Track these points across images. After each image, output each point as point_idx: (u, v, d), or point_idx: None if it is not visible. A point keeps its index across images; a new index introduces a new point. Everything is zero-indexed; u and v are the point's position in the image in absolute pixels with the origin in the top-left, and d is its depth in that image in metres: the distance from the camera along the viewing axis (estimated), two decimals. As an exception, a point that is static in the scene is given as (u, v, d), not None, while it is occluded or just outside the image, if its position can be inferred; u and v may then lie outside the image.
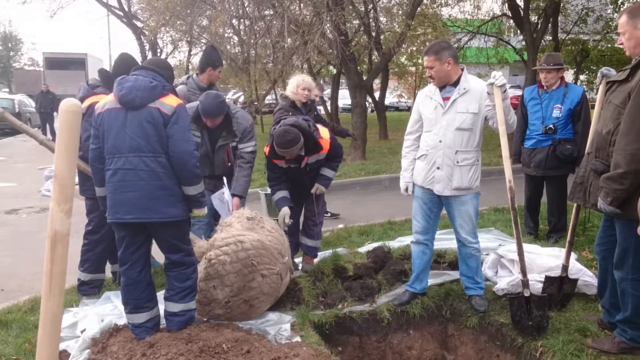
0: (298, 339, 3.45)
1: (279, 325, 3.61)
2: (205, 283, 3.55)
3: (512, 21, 14.04)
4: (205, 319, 3.66)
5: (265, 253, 3.62)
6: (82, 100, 3.97)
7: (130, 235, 3.29)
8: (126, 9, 15.74)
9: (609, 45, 16.15)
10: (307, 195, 4.52)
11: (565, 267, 3.78)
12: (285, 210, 4.30)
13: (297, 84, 5.39)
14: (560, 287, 3.77)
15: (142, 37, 15.42)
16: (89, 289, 4.19)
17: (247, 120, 4.48)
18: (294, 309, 3.88)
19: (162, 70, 3.37)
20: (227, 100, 4.48)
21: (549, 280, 3.76)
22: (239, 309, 3.62)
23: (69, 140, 1.27)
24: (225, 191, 4.28)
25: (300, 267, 4.58)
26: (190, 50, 16.19)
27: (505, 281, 4.01)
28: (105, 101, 3.29)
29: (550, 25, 13.49)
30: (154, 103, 3.17)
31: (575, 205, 3.62)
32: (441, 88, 3.71)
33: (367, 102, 13.94)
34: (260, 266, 3.58)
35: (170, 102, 3.23)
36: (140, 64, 3.83)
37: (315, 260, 4.64)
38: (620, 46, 3.05)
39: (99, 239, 4.15)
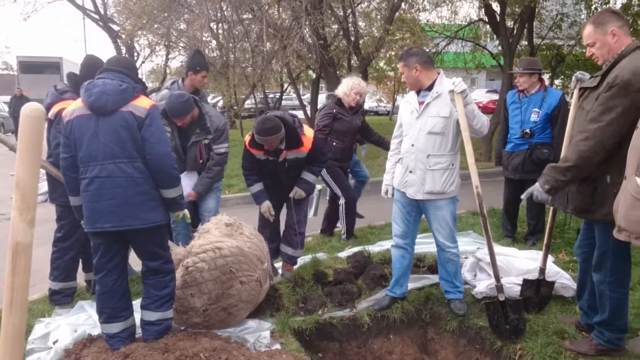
0: (278, 346, 3.41)
1: (259, 333, 3.56)
2: (183, 291, 3.48)
3: (488, 26, 14.24)
4: (182, 328, 3.59)
5: (244, 260, 3.57)
6: (50, 106, 3.86)
7: (107, 243, 3.22)
8: (102, 12, 15.52)
9: (584, 50, 16.44)
10: (287, 199, 4.45)
11: (542, 270, 3.81)
12: (267, 203, 4.30)
13: (351, 87, 5.34)
14: (537, 290, 3.79)
15: (118, 40, 15.21)
16: (61, 298, 4.08)
17: (220, 120, 4.45)
18: (274, 315, 3.84)
19: (128, 70, 3.25)
20: (204, 103, 4.44)
21: (526, 284, 3.78)
22: (217, 317, 3.56)
23: (30, 147, 1.21)
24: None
25: (280, 273, 4.54)
26: (167, 54, 16.01)
27: (484, 284, 4.02)
28: (73, 108, 3.18)
29: (525, 30, 13.69)
30: (126, 107, 3.08)
31: (551, 208, 3.65)
32: (418, 92, 3.73)
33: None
34: (239, 273, 3.53)
35: (142, 104, 3.14)
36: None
37: (295, 266, 4.60)
38: (590, 57, 3.09)
39: (68, 247, 4.04)
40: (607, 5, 13.68)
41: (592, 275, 3.16)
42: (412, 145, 3.69)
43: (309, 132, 4.30)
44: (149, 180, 3.15)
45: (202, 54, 5.13)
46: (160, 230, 3.30)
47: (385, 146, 5.91)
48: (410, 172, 3.71)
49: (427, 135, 3.64)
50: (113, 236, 3.19)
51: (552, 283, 3.84)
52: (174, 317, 3.51)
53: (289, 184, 4.38)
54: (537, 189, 3.09)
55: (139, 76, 4.01)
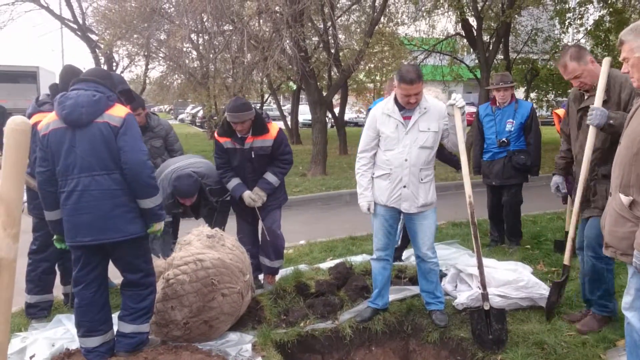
0: (259, 359, 3.38)
1: (240, 346, 3.53)
2: (163, 304, 3.44)
3: (465, 40, 14.49)
4: (162, 341, 3.54)
5: (225, 272, 3.54)
6: (29, 117, 3.80)
7: (87, 255, 3.17)
8: (80, 21, 15.34)
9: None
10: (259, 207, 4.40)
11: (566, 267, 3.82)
12: (247, 192, 4.31)
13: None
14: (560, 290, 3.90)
15: (97, 50, 15.05)
16: (38, 312, 3.99)
17: (216, 182, 4.43)
18: (256, 328, 3.81)
19: (102, 79, 3.18)
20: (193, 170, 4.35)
21: (555, 286, 3.84)
22: (198, 330, 3.52)
23: (16, 161, 1.19)
24: None
25: (262, 284, 4.51)
26: (147, 65, 15.92)
27: (464, 295, 4.05)
28: (48, 122, 3.11)
29: (501, 44, 13.97)
30: (102, 117, 3.04)
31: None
32: (400, 107, 3.74)
33: (327, 118, 14.03)
34: (221, 285, 3.50)
35: (117, 112, 3.09)
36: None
37: (277, 277, 4.58)
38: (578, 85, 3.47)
39: (43, 259, 3.96)
40: (580, 21, 14.06)
41: (586, 255, 3.52)
42: (406, 160, 3.70)
43: (275, 125, 4.38)
44: (128, 191, 3.11)
45: (126, 93, 5.03)
46: (142, 242, 3.26)
47: (455, 165, 5.23)
48: (405, 186, 3.73)
49: (419, 149, 3.70)
50: (93, 249, 3.15)
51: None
52: (154, 330, 3.47)
53: (253, 179, 4.36)
54: (602, 112, 3.19)
55: (130, 90, 4.00)
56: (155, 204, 3.19)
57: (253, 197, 4.30)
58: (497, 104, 5.53)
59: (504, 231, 5.76)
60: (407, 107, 3.70)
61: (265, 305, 4.09)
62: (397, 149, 3.73)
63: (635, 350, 2.60)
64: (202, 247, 3.64)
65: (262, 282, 4.55)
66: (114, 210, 3.06)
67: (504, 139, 5.41)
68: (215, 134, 4.36)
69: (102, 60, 15.50)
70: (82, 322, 3.21)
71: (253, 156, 4.27)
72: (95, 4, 14.34)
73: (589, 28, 14.72)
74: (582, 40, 16.71)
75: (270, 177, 4.34)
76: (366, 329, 4.00)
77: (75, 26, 15.30)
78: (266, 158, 4.33)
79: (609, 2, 13.40)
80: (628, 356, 2.71)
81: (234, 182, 4.36)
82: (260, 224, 4.48)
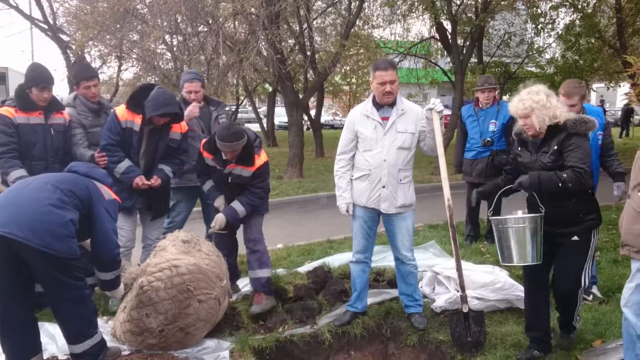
0: (237, 366, 3.33)
1: (217, 353, 3.47)
2: (137, 311, 3.35)
3: (440, 43, 14.63)
4: (136, 349, 3.45)
5: (202, 277, 3.47)
6: None
7: (7, 261, 2.80)
8: (51, 22, 14.96)
9: (532, 68, 17.20)
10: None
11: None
12: (221, 198, 4.20)
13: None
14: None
15: (68, 51, 14.68)
16: None
17: None
18: (233, 334, 3.75)
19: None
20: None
21: None
22: (174, 338, 3.44)
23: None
24: None
25: (239, 289, 4.42)
26: (120, 66, 15.62)
27: (443, 299, 4.06)
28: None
29: (475, 48, 14.15)
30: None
31: None
32: (378, 108, 3.75)
33: (303, 120, 13.99)
34: (197, 291, 3.43)
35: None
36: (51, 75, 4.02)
37: (262, 298, 4.12)
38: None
39: None
40: (552, 26, 14.33)
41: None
42: (385, 160, 3.70)
43: (263, 156, 4.12)
44: (74, 213, 2.90)
45: (81, 64, 4.80)
46: (68, 262, 2.86)
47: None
48: (384, 187, 3.73)
49: (397, 150, 3.71)
50: (11, 251, 2.74)
51: None
52: (128, 338, 3.37)
53: (228, 197, 4.22)
54: None
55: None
56: (116, 275, 3.31)
57: (214, 223, 4.07)
58: (480, 105, 5.72)
59: (479, 228, 6.01)
60: (384, 99, 3.69)
61: (242, 311, 4.03)
62: (376, 149, 3.73)
63: (632, 346, 2.67)
64: (177, 252, 3.56)
65: (239, 287, 4.46)
66: (47, 215, 2.76)
67: (488, 139, 5.62)
68: (201, 146, 4.13)
69: (73, 61, 15.14)
70: (12, 350, 2.91)
71: (229, 181, 4.11)
72: (67, 4, 14.02)
73: (559, 32, 15.03)
74: (554, 44, 17.07)
75: (237, 205, 4.06)
76: (345, 333, 3.97)
77: (45, 26, 14.89)
78: (241, 186, 4.12)
79: (580, 7, 13.69)
80: (624, 352, 2.78)
81: (208, 185, 4.26)
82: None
